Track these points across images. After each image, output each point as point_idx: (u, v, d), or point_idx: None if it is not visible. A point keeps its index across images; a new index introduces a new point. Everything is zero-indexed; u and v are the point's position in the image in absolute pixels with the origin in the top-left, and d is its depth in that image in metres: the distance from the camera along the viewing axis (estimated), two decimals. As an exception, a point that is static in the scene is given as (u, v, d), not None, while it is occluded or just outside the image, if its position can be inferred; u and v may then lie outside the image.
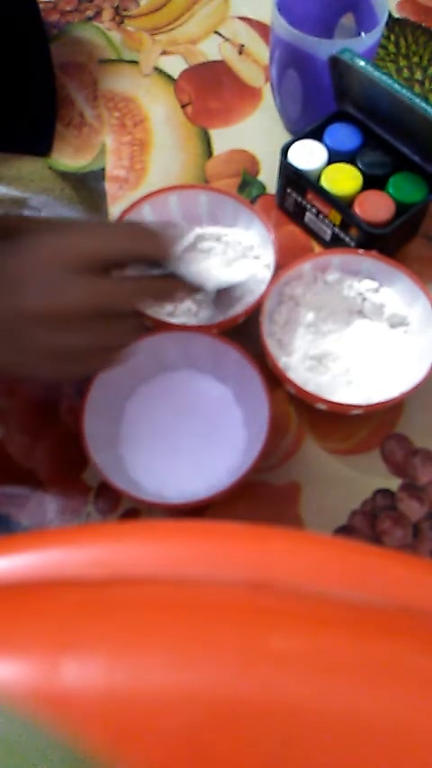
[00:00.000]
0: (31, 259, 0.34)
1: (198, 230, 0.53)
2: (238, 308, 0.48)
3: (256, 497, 0.46)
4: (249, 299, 0.49)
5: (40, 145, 0.61)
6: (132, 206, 0.51)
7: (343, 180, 0.51)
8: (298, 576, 0.18)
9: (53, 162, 0.60)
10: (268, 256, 0.50)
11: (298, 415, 0.49)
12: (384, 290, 0.50)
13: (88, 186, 0.59)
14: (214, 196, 0.53)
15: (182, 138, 0.62)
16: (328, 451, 0.48)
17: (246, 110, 0.63)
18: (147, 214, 0.52)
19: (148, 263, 0.38)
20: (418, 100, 0.46)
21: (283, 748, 0.14)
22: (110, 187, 0.59)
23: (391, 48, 0.66)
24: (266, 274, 0.49)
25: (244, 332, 0.50)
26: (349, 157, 0.53)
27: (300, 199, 0.54)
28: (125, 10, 0.69)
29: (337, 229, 0.52)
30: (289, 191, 0.54)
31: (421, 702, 0.15)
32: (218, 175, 0.59)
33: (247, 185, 0.59)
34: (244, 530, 0.21)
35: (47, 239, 0.35)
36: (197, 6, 0.70)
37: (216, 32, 0.68)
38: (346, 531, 0.45)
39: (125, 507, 0.46)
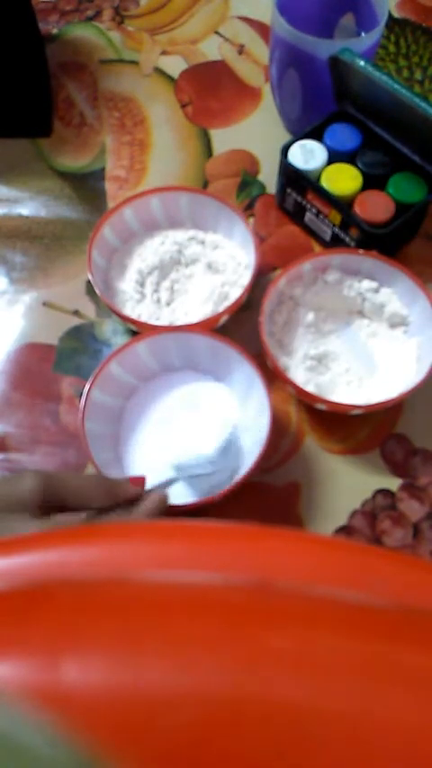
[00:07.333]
0: None
1: (181, 235, 0.53)
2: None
3: (256, 497, 0.46)
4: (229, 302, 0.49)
5: (39, 127, 0.61)
6: (115, 209, 0.51)
7: (343, 180, 0.51)
8: (298, 576, 0.18)
9: (53, 162, 0.60)
10: (249, 257, 0.50)
11: (298, 415, 0.49)
12: (384, 290, 0.49)
13: (88, 186, 0.59)
14: (196, 198, 0.53)
15: (182, 138, 0.62)
16: (328, 451, 0.48)
17: (246, 110, 0.63)
18: (129, 217, 0.52)
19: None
20: (418, 100, 0.46)
21: (283, 748, 0.14)
22: (110, 187, 0.59)
23: (391, 48, 0.66)
24: (246, 275, 0.49)
25: (244, 332, 0.50)
26: (349, 157, 0.53)
27: (300, 199, 0.54)
28: (125, 10, 0.69)
29: (337, 229, 0.52)
30: (289, 191, 0.54)
31: (422, 702, 0.15)
32: (218, 175, 0.59)
33: (247, 185, 0.59)
34: (244, 530, 0.21)
35: None
36: (197, 6, 0.70)
37: (216, 32, 0.68)
38: (346, 531, 0.45)
39: (125, 507, 0.46)
